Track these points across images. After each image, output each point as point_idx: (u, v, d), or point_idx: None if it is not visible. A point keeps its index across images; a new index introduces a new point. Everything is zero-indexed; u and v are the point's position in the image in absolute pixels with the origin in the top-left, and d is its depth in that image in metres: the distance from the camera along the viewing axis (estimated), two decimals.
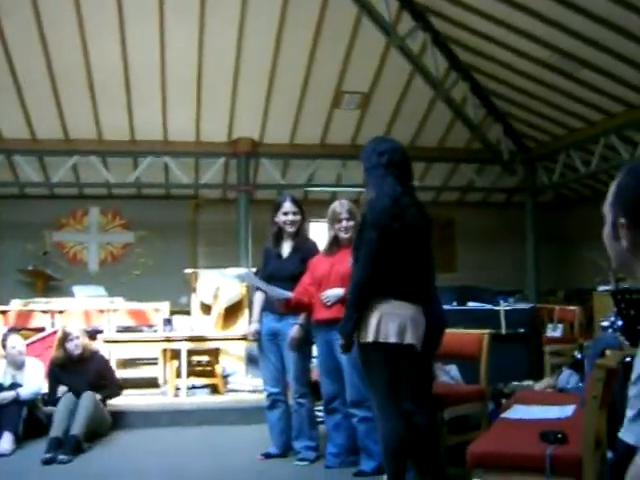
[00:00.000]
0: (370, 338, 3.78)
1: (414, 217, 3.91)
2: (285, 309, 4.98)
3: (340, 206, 4.90)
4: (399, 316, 3.79)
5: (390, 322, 3.77)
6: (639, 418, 1.46)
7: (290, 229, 5.29)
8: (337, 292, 4.63)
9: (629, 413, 1.49)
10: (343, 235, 4.85)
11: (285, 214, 5.28)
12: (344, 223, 4.84)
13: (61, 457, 5.29)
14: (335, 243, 4.91)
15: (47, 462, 5.25)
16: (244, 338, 6.44)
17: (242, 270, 6.14)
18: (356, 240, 4.02)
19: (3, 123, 10.94)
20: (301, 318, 5.11)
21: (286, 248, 5.34)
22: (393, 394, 3.83)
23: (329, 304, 4.70)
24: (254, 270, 5.67)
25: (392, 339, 3.76)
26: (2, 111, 10.66)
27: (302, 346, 5.16)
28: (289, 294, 4.91)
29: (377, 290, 3.84)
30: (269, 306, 5.28)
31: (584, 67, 9.04)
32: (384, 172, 3.95)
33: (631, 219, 1.44)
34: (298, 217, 5.30)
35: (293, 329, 5.11)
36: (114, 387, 6.34)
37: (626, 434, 1.48)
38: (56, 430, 5.54)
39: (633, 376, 1.50)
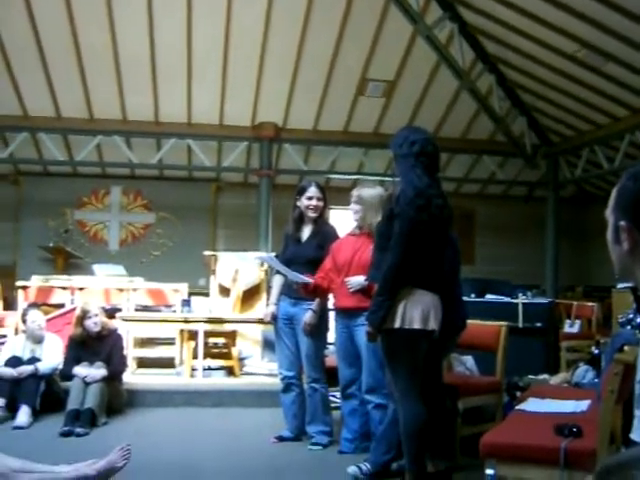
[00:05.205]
0: (396, 324, 3.86)
1: (439, 208, 3.96)
2: (304, 293, 5.00)
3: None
4: (422, 303, 3.89)
5: (415, 309, 3.87)
6: None
7: (312, 214, 5.31)
8: (361, 280, 4.65)
9: (637, 413, 1.48)
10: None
11: (309, 199, 5.29)
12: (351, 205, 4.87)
13: (78, 430, 5.38)
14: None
15: (65, 434, 5.33)
16: (261, 321, 6.46)
17: (265, 254, 6.19)
18: (383, 226, 4.05)
19: (29, 100, 11.01)
20: (315, 304, 5.13)
21: (306, 232, 5.35)
22: (415, 378, 3.93)
23: (352, 290, 4.72)
24: (274, 254, 5.70)
25: (416, 325, 3.86)
26: (28, 88, 10.74)
27: (316, 332, 5.19)
28: (308, 279, 4.93)
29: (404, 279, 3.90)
30: (286, 290, 5.32)
31: (611, 61, 8.94)
32: (414, 162, 3.99)
33: (631, 220, 1.45)
34: (322, 203, 5.33)
35: (306, 315, 5.14)
36: (113, 370, 6.07)
37: (636, 433, 1.48)
38: (73, 403, 5.62)
39: (638, 375, 1.50)
